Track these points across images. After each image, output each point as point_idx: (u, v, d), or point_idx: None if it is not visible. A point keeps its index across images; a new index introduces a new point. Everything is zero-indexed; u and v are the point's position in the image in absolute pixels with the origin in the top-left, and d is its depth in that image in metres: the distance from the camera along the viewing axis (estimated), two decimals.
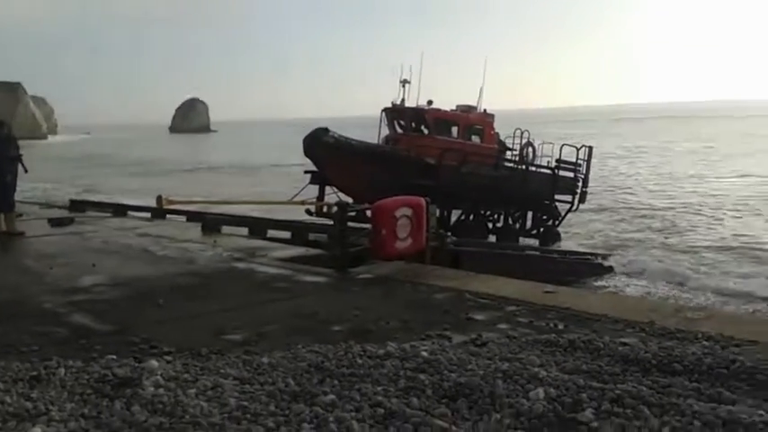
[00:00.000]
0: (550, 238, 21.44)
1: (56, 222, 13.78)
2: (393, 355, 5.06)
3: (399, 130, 21.73)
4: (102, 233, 12.77)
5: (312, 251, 11.09)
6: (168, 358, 5.09)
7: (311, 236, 13.79)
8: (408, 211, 9.44)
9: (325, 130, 19.40)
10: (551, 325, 6.28)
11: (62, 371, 4.55)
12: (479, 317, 6.71)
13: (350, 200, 19.73)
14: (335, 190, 19.64)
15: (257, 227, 14.09)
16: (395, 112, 21.75)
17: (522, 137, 22.19)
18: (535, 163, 21.91)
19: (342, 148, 19.24)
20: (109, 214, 16.53)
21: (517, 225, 21.65)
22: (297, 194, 19.65)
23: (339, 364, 4.78)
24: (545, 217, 21.90)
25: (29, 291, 7.87)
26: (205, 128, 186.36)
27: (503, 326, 6.35)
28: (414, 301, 7.51)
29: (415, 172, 18.53)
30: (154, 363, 4.74)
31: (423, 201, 9.73)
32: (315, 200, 19.41)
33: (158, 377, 4.39)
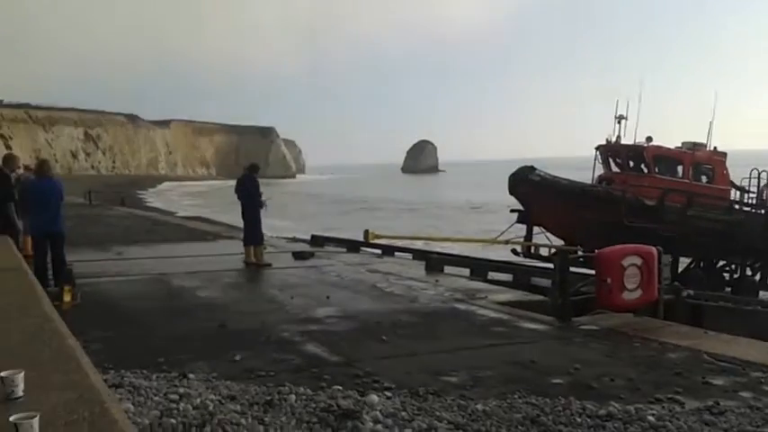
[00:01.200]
0: None
1: (298, 256, 15.07)
2: (615, 416, 4.79)
3: (616, 169, 20.51)
4: (337, 267, 13.70)
5: (533, 297, 10.89)
6: (388, 394, 5.30)
7: (533, 280, 13.54)
8: (637, 260, 8.90)
9: (531, 168, 18.85)
10: None
11: (293, 397, 4.94)
12: (718, 382, 6.09)
13: (559, 241, 19.08)
14: (543, 230, 19.00)
15: (479, 268, 14.19)
16: (610, 150, 20.56)
17: (759, 177, 19.77)
18: None
19: (548, 187, 18.51)
20: (344, 250, 17.72)
21: (757, 277, 19.29)
22: (502, 234, 19.36)
23: (557, 420, 4.63)
24: None
25: (272, 319, 8.66)
26: (434, 168, 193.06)
27: (745, 394, 5.70)
28: (642, 358, 7.01)
29: (631, 214, 17.31)
30: (374, 397, 4.97)
31: (654, 249, 9.12)
32: (522, 239, 18.95)
33: (378, 412, 4.59)
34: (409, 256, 16.96)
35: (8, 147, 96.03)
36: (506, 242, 19.20)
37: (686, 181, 19.49)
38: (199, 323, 8.35)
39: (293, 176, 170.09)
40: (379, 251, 17.49)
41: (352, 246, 18.18)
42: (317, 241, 19.09)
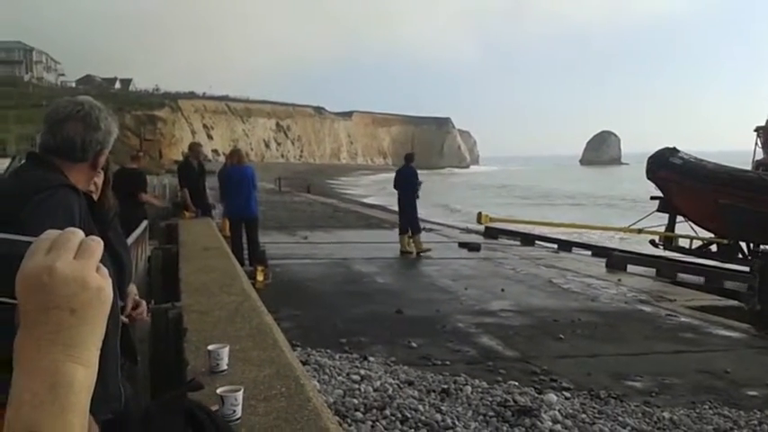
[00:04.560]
0: None
1: (469, 247, 15.08)
2: None
3: None
4: (511, 261, 13.53)
5: (727, 302, 10.05)
6: (567, 394, 5.16)
7: (727, 284, 12.47)
8: None
9: (674, 150, 16.95)
10: None
11: (469, 389, 4.97)
12: None
13: (706, 233, 17.16)
14: (687, 220, 17.05)
15: (666, 269, 13.32)
16: None
17: None
18: None
19: (692, 172, 16.49)
20: (518, 242, 17.45)
21: None
22: (637, 222, 17.79)
23: None
24: None
25: (446, 308, 8.76)
26: (616, 160, 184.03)
27: None
28: None
29: None
30: (553, 396, 4.87)
31: None
32: (662, 230, 17.31)
33: (556, 412, 4.49)
34: (588, 252, 16.33)
35: (210, 136, 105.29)
36: (639, 231, 17.65)
37: None
38: (377, 308, 8.66)
39: (467, 167, 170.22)
40: (554, 246, 17.00)
41: (527, 239, 17.83)
42: (490, 233, 18.94)
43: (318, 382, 4.84)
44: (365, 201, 41.37)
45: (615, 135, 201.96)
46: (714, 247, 17.17)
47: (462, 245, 15.40)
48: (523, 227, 20.34)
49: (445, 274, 11.59)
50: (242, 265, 9.10)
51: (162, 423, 1.79)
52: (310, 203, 30.82)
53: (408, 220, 14.09)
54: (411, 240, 14.00)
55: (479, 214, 18.26)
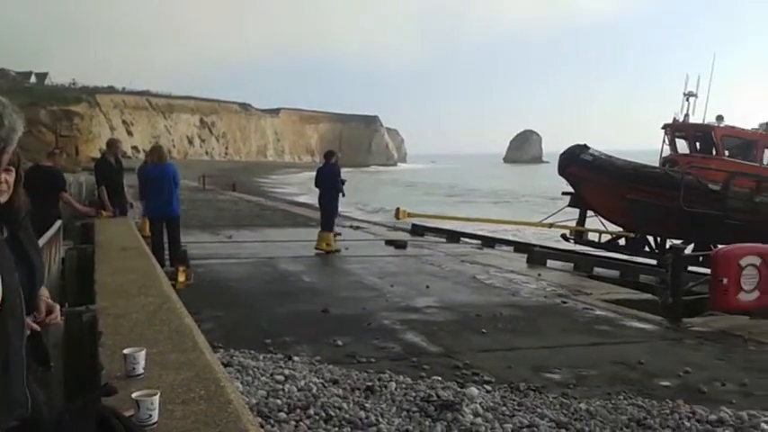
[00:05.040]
0: None
1: (396, 244, 15.20)
2: (727, 422, 4.57)
3: (685, 151, 18.75)
4: (437, 257, 13.72)
5: (641, 295, 10.49)
6: (488, 387, 5.28)
7: (642, 277, 13.03)
8: (756, 260, 8.42)
9: (584, 146, 17.59)
10: None
11: (393, 385, 5.03)
12: None
13: (614, 227, 17.99)
14: (597, 214, 17.80)
15: (583, 263, 13.80)
16: (676, 129, 18.84)
17: None
18: None
19: (601, 168, 17.11)
20: (444, 239, 17.70)
21: None
22: (549, 216, 18.42)
23: (663, 423, 4.48)
24: None
25: (372, 306, 8.80)
26: (537, 158, 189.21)
27: None
28: (757, 362, 6.65)
29: (690, 198, 15.87)
30: (474, 390, 4.97)
31: None
32: (573, 224, 18.03)
33: (477, 405, 4.59)
34: (510, 248, 16.74)
35: (129, 132, 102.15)
36: (550, 226, 18.29)
37: (757, 165, 17.59)
38: (303, 307, 8.62)
39: (395, 165, 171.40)
40: (479, 242, 17.34)
41: (453, 236, 18.12)
42: (417, 230, 19.14)
43: (241, 383, 4.79)
44: (296, 199, 41.03)
45: (537, 134, 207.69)
46: (623, 241, 17.94)
47: (389, 242, 15.52)
48: (449, 223, 20.65)
49: (372, 272, 11.64)
50: (162, 265, 8.87)
51: (74, 429, 1.75)
52: (236, 202, 30.36)
53: (326, 218, 14.05)
54: (326, 236, 13.95)
55: (397, 210, 18.40)
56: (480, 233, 19.03)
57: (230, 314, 7.98)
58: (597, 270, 13.42)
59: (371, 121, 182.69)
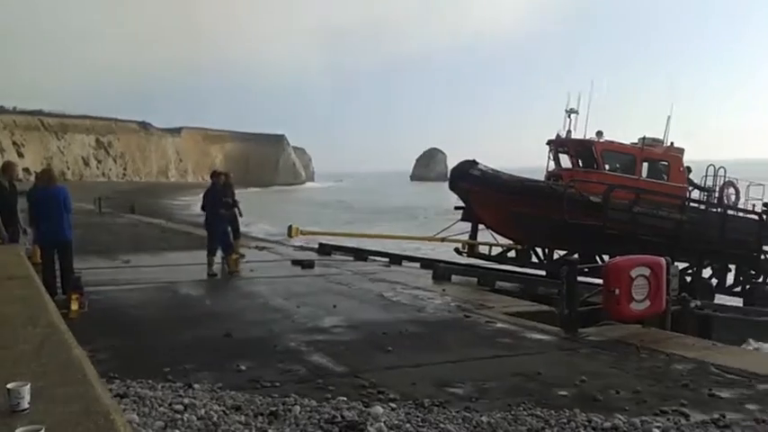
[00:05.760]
0: (760, 297, 17.50)
1: (303, 264, 15.07)
2: (620, 428, 4.78)
3: (567, 165, 19.45)
4: (344, 276, 13.72)
5: (540, 307, 10.86)
6: (393, 405, 5.31)
7: (540, 290, 13.51)
8: (646, 271, 8.88)
9: (473, 162, 18.23)
10: None
11: (297, 408, 4.96)
12: (724, 394, 6.07)
13: (504, 240, 18.80)
14: (488, 228, 18.41)
15: (486, 278, 14.17)
16: (559, 145, 19.60)
17: (716, 175, 18.84)
18: (738, 207, 18.59)
19: (489, 182, 17.80)
20: (351, 258, 17.73)
21: (713, 280, 18.32)
22: (443, 231, 18.97)
23: None
24: (753, 272, 18.44)
25: (278, 328, 8.68)
26: (443, 176, 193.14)
27: (751, 406, 5.68)
28: (649, 369, 7.00)
29: (573, 210, 16.55)
30: (379, 409, 4.98)
31: (662, 260, 9.11)
32: (465, 238, 18.64)
33: (382, 424, 4.60)
34: (417, 265, 16.96)
35: (20, 154, 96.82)
36: (443, 240, 18.80)
37: (635, 177, 18.50)
38: (205, 332, 8.38)
39: (303, 183, 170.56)
40: (386, 259, 17.49)
41: (360, 254, 18.19)
42: (324, 249, 19.08)
43: (138, 414, 4.59)
44: (200, 220, 39.90)
45: (442, 152, 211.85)
46: (512, 253, 18.60)
47: (296, 262, 15.38)
48: (354, 241, 20.73)
49: (278, 293, 11.50)
50: (54, 294, 8.44)
51: None
52: (135, 225, 29.27)
53: (219, 239, 13.78)
54: (234, 258, 13.76)
55: (290, 228, 18.18)
56: (388, 251, 19.18)
57: (127, 343, 7.66)
58: (499, 284, 13.83)
59: (278, 140, 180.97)
